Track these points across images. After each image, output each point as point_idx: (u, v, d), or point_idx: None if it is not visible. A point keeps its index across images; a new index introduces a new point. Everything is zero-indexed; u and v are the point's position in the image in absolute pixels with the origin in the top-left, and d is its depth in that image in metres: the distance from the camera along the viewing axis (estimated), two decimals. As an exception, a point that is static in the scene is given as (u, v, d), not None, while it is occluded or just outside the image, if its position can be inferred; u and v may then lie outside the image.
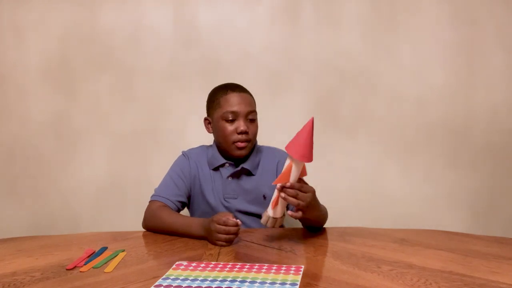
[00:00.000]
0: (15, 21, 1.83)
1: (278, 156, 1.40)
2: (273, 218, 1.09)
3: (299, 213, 1.07)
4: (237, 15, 1.82)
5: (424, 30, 1.80)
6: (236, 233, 1.09)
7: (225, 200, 1.36)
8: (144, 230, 1.29)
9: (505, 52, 1.79)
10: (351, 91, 1.81)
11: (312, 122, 1.03)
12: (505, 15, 1.79)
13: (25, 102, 1.84)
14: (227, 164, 1.36)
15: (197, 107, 1.81)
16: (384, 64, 1.81)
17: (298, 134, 1.05)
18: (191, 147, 1.45)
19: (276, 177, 1.37)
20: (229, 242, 1.09)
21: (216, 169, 1.37)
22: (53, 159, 1.84)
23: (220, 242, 1.09)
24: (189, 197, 1.39)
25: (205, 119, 1.40)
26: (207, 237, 1.13)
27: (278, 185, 1.05)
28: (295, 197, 1.04)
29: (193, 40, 1.82)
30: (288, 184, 1.05)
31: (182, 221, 1.21)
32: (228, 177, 1.36)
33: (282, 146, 1.45)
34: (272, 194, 1.09)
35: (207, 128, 1.40)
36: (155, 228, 1.26)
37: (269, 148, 1.45)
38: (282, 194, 1.05)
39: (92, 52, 1.83)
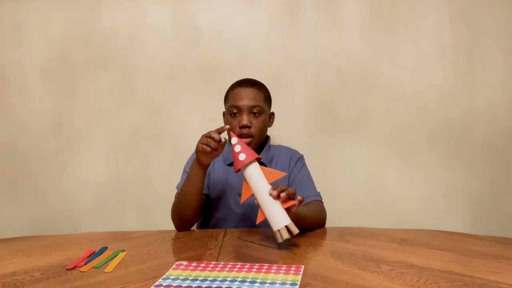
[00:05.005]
0: (15, 21, 1.82)
1: (290, 153, 1.45)
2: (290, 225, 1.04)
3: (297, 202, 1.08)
4: (237, 15, 1.82)
5: (424, 30, 1.80)
6: (216, 148, 1.14)
7: (238, 196, 1.36)
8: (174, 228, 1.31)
9: (505, 52, 1.79)
10: (351, 91, 1.81)
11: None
12: (505, 15, 1.79)
13: (25, 102, 1.84)
14: None
15: (197, 107, 1.81)
16: (384, 64, 1.81)
17: (239, 147, 1.08)
18: (191, 147, 1.45)
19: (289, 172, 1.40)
20: (208, 149, 1.13)
21: (231, 164, 1.38)
22: (53, 159, 1.84)
23: (200, 146, 1.14)
24: None
25: (223, 113, 1.46)
26: (197, 155, 1.18)
27: (274, 192, 1.03)
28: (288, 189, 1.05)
29: (193, 40, 1.82)
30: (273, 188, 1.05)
31: (186, 180, 1.24)
32: None
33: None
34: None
35: (224, 122, 1.45)
36: (178, 211, 1.27)
37: (280, 146, 1.49)
38: (284, 194, 1.03)
39: (92, 52, 1.83)
